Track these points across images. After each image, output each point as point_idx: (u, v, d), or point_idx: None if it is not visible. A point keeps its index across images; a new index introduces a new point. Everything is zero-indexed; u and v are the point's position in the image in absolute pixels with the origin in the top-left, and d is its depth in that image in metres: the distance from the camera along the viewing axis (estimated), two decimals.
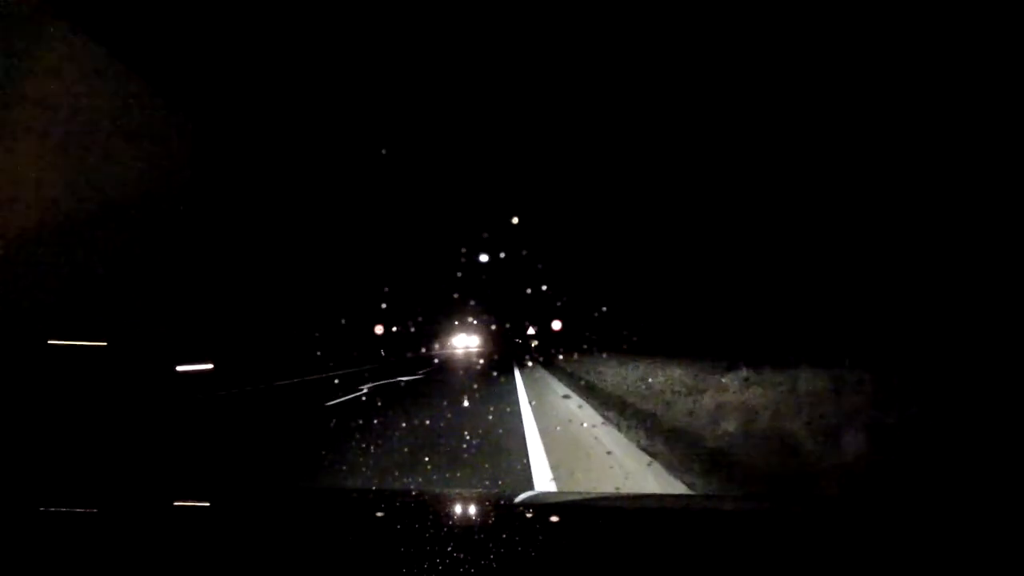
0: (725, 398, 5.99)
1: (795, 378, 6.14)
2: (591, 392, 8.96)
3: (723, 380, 6.90)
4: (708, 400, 6.06)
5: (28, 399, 9.13)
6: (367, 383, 11.18)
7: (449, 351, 41.96)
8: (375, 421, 6.37)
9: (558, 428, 5.68)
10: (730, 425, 5.01)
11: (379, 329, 27.59)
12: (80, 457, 5.03)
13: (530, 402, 8.03)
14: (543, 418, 6.33)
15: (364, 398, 8.79)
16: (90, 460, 4.88)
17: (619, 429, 5.33)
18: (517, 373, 13.71)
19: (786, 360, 7.71)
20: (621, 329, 19.43)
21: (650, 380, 8.76)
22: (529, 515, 1.30)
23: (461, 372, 16.32)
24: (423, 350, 39.67)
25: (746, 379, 6.61)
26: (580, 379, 11.40)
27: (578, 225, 27.38)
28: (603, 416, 5.95)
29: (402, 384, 11.48)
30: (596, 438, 5.00)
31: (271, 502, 1.43)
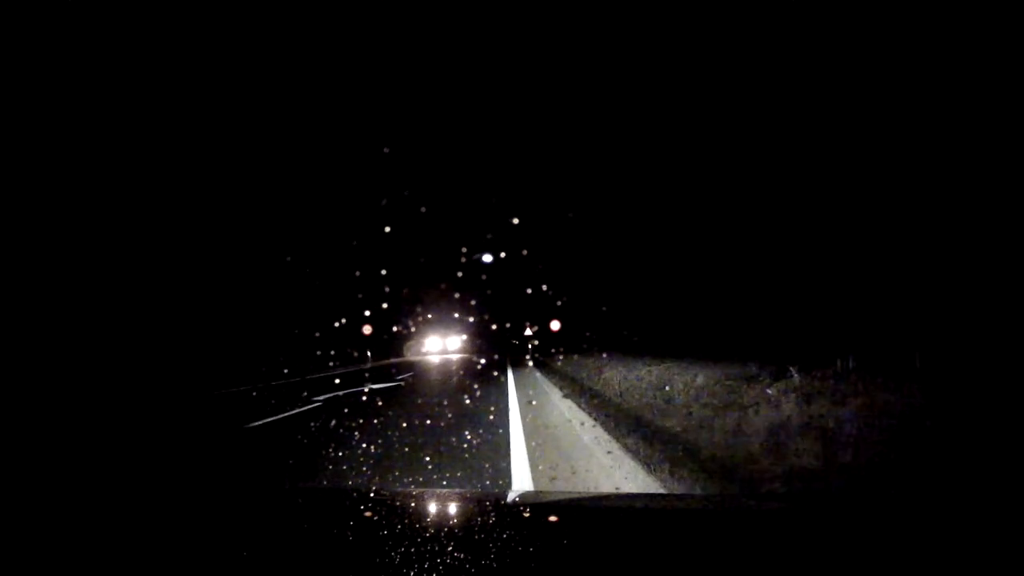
0: (779, 417, 4.52)
1: (871, 392, 4.68)
2: (595, 401, 7.49)
3: (768, 392, 5.43)
4: (757, 419, 4.59)
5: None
6: (330, 392, 9.51)
7: (443, 351, 40.04)
8: (282, 463, 4.52)
9: (559, 463, 4.19)
10: (807, 460, 3.53)
11: (368, 329, 25.98)
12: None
13: (529, 402, 6.57)
14: (540, 443, 4.85)
15: (307, 416, 7.00)
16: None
17: (645, 464, 3.86)
18: (511, 377, 12.25)
19: (841, 362, 6.25)
20: (622, 328, 18.05)
21: (667, 388, 7.29)
22: (529, 514, 1.28)
23: (449, 375, 14.77)
24: (424, 350, 37.96)
25: (800, 389, 5.14)
26: (580, 383, 9.93)
27: (576, 220, 25.97)
28: (622, 444, 4.47)
29: (367, 393, 9.93)
30: (616, 486, 3.51)
31: (267, 502, 1.40)
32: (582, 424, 5.77)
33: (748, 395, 5.62)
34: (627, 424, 5.54)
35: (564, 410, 6.88)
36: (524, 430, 5.40)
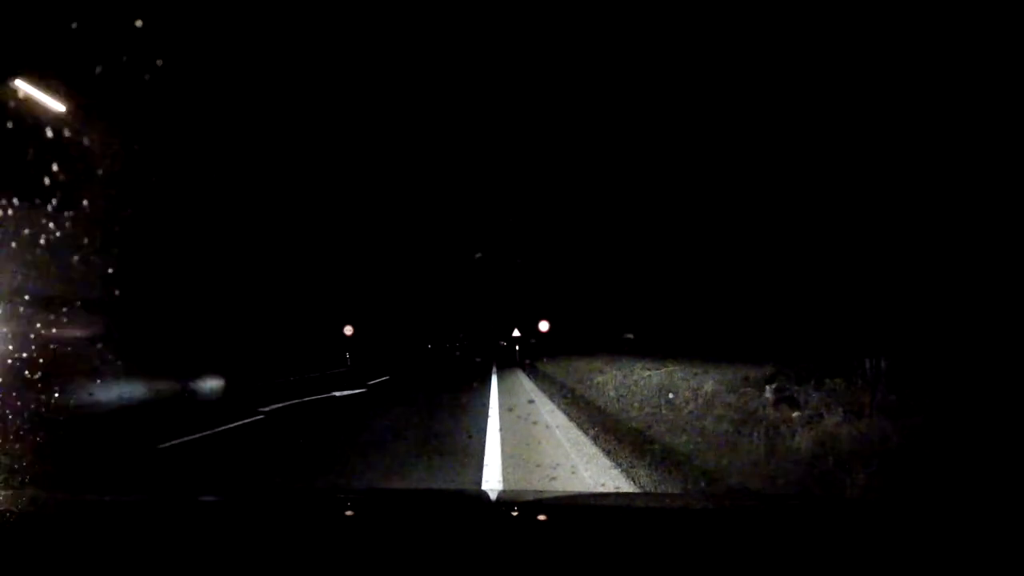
0: (823, 435, 3.56)
1: (932, 402, 3.73)
2: (590, 412, 6.52)
3: (798, 400, 4.47)
4: (795, 439, 3.63)
5: None
6: (279, 401, 8.34)
7: (427, 354, 38.75)
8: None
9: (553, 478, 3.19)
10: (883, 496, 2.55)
11: (349, 330, 24.72)
12: None
13: (510, 409, 5.57)
14: (520, 469, 3.84)
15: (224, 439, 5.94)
16: None
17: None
18: (494, 382, 11.28)
19: (871, 364, 5.30)
20: (618, 328, 17.15)
21: (671, 396, 6.31)
22: (528, 515, 1.24)
23: (429, 380, 13.67)
24: (410, 354, 36.57)
25: (841, 399, 4.18)
26: (573, 390, 8.97)
27: (569, 217, 25.04)
28: (629, 476, 3.47)
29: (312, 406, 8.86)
30: None
31: (265, 502, 1.40)
32: (575, 443, 4.79)
33: (772, 406, 4.65)
34: (629, 440, 4.58)
35: (554, 425, 5.89)
36: (502, 451, 4.41)
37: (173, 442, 4.96)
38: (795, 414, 4.15)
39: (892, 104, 8.67)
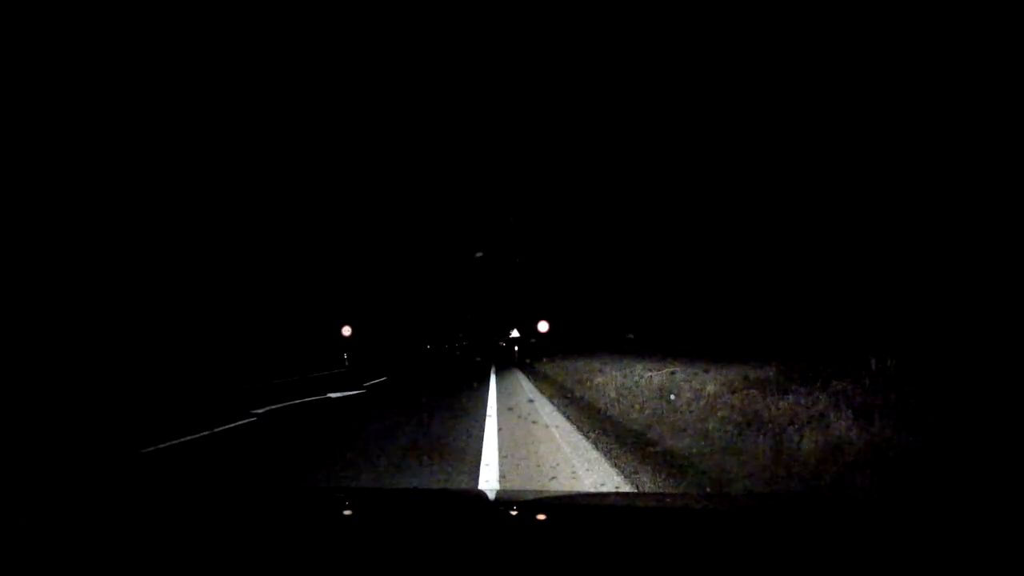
0: (832, 440, 3.45)
1: (947, 405, 3.62)
2: (590, 413, 6.41)
3: (802, 402, 4.36)
4: (803, 443, 3.51)
5: None
6: (273, 403, 8.28)
7: (426, 355, 38.55)
8: None
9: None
10: None
11: (347, 330, 24.59)
12: None
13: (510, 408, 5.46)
14: (516, 465, 3.73)
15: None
16: None
17: None
18: (493, 382, 11.18)
19: (877, 364, 5.19)
20: (620, 329, 17.04)
21: (672, 397, 6.20)
22: (528, 514, 1.22)
23: (427, 380, 13.55)
24: (408, 355, 36.39)
25: (850, 401, 4.07)
26: (572, 390, 8.86)
27: (570, 216, 24.92)
28: (629, 479, 3.35)
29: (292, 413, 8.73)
30: None
31: (263, 502, 1.39)
32: (575, 445, 4.68)
33: (777, 408, 4.54)
34: (630, 443, 4.46)
35: (553, 425, 5.79)
36: (500, 451, 4.30)
37: (157, 447, 4.80)
38: (800, 417, 4.04)
39: (899, 106, 8.57)
